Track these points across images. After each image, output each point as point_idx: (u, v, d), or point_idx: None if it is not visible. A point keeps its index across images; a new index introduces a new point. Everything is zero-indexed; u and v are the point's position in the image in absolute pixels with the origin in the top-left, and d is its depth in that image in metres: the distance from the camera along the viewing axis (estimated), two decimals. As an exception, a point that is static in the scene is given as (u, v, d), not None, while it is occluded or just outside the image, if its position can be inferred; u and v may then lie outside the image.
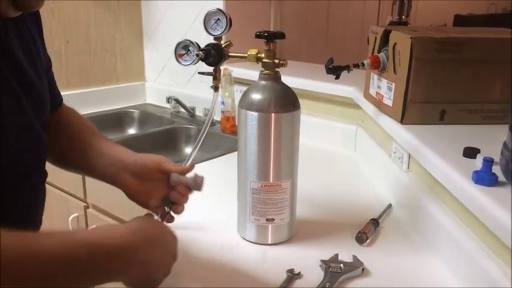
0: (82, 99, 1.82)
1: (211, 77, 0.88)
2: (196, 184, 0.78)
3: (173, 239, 0.68)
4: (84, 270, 0.53)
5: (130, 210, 0.79)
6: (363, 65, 1.09)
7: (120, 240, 0.58)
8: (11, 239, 0.47)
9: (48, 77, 0.79)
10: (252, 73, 1.07)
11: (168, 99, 1.85)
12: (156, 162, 0.78)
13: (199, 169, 1.24)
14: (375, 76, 1.14)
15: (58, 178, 1.44)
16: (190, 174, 0.78)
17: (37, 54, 0.73)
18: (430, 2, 3.03)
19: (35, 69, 0.71)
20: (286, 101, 0.80)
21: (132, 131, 1.91)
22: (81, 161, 0.80)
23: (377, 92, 1.13)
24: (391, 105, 1.05)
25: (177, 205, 0.78)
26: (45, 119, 0.75)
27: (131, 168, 0.77)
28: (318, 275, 0.76)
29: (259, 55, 0.82)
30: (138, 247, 0.59)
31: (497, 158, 0.71)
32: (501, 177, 0.70)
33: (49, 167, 0.78)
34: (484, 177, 0.70)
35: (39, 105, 0.71)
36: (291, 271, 0.76)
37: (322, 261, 0.78)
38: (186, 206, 0.94)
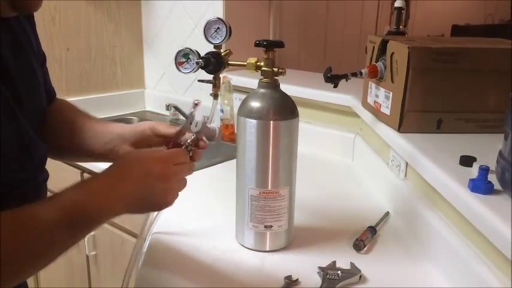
0: (82, 106, 1.78)
1: (210, 85, 0.89)
2: (211, 135, 0.78)
3: (156, 180, 0.67)
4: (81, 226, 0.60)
5: (128, 216, 0.79)
6: (361, 73, 1.10)
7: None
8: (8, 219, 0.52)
9: (42, 72, 0.79)
10: (251, 81, 1.08)
11: (168, 107, 1.86)
12: (151, 127, 0.79)
13: (199, 176, 1.25)
14: (373, 85, 1.15)
15: (57, 183, 1.44)
16: (213, 126, 0.79)
17: (32, 52, 0.73)
18: (428, 13, 3.05)
19: (29, 70, 0.71)
20: (285, 109, 0.81)
21: (131, 138, 1.92)
22: (79, 145, 0.81)
23: (375, 101, 1.14)
24: (388, 114, 1.06)
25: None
26: (41, 119, 0.75)
27: (130, 138, 0.78)
28: (316, 281, 0.76)
29: (258, 63, 0.83)
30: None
31: (493, 166, 0.72)
32: (497, 186, 0.71)
33: (49, 168, 0.79)
34: (480, 186, 0.71)
35: (32, 109, 0.70)
36: (288, 278, 0.76)
37: (320, 268, 0.79)
38: (185, 211, 0.94)
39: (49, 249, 0.57)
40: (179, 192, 0.71)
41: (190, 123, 0.76)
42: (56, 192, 0.60)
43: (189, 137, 0.76)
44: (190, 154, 0.75)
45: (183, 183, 0.70)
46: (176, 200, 0.71)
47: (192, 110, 0.77)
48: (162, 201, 0.68)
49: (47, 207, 0.57)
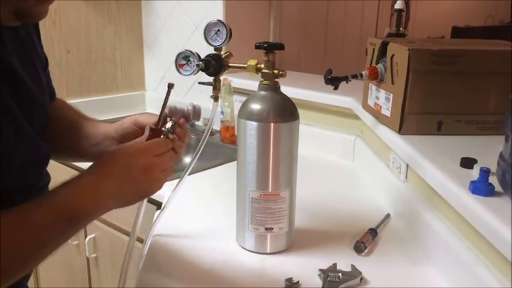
0: (82, 108, 1.78)
1: (211, 87, 0.89)
2: (195, 113, 0.77)
3: (138, 170, 0.67)
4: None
5: (128, 218, 0.80)
6: (361, 75, 1.10)
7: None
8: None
9: (45, 74, 0.79)
10: (252, 83, 1.08)
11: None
12: (133, 120, 0.80)
13: (199, 178, 1.25)
14: (373, 87, 1.15)
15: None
16: (188, 106, 0.78)
17: (36, 56, 0.73)
18: (428, 14, 3.05)
19: (32, 72, 0.71)
20: (285, 111, 0.81)
21: (131, 140, 1.92)
22: (78, 146, 0.83)
23: (375, 103, 1.14)
24: (389, 116, 1.06)
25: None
26: (46, 121, 0.75)
27: (117, 137, 0.80)
28: (316, 284, 0.76)
29: (258, 66, 0.83)
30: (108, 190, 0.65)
31: (493, 168, 0.72)
32: (498, 188, 0.71)
33: (50, 171, 0.79)
34: (481, 188, 0.71)
35: (37, 112, 0.71)
36: (289, 280, 0.76)
37: (321, 270, 0.79)
38: (186, 213, 0.94)
39: (41, 249, 0.60)
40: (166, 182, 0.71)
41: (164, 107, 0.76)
42: (48, 191, 0.62)
43: (181, 108, 0.77)
44: (171, 137, 0.74)
45: (167, 173, 0.70)
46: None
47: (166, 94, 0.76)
48: (148, 192, 0.69)
49: (39, 208, 0.59)
